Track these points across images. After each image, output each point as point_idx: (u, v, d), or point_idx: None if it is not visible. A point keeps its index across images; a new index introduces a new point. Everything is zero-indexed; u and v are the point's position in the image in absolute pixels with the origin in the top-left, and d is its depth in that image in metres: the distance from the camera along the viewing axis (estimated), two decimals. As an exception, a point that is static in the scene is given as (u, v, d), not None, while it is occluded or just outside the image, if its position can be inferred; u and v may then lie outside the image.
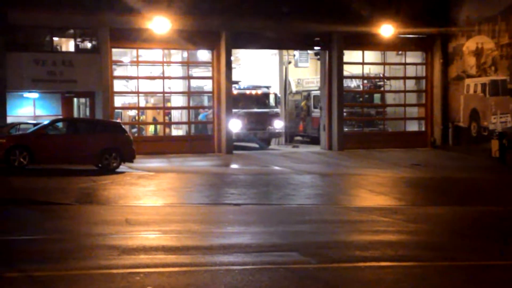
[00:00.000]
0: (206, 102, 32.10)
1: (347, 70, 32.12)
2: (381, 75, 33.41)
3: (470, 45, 30.58)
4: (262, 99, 32.45)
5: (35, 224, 13.39)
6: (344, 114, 31.45)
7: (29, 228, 12.78)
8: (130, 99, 33.31)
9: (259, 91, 32.54)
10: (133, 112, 33.47)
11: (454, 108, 31.53)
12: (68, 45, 29.54)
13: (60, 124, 23.67)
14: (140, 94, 30.56)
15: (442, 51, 31.87)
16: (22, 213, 14.68)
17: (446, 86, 31.89)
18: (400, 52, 33.15)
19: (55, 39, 28.89)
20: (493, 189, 20.82)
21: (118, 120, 28.26)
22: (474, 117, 30.37)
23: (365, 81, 33.45)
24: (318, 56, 32.33)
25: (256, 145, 32.25)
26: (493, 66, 29.34)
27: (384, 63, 33.29)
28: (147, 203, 16.64)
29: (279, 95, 33.77)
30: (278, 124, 32.41)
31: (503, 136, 26.88)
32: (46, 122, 23.21)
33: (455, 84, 31.50)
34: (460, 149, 30.46)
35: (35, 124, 24.04)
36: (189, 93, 31.02)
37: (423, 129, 32.91)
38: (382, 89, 33.78)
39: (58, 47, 29.43)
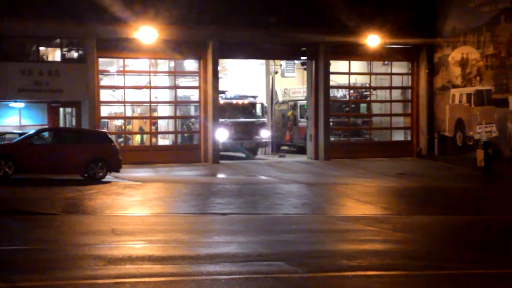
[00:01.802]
0: (192, 112, 32.09)
1: (334, 80, 32.25)
2: (367, 85, 33.56)
3: (455, 55, 30.80)
4: (248, 109, 32.50)
5: (20, 234, 13.31)
6: (331, 123, 31.54)
7: (15, 238, 12.70)
8: (117, 109, 33.22)
9: (246, 101, 32.59)
10: (119, 122, 33.38)
11: (440, 118, 31.72)
12: (55, 55, 29.47)
13: (45, 134, 23.57)
14: (126, 104, 30.48)
15: (428, 61, 32.08)
16: (7, 223, 14.58)
17: (432, 96, 32.08)
18: (386, 62, 33.34)
19: (42, 48, 28.82)
20: (478, 198, 20.93)
21: (104, 130, 28.17)
22: (459, 127, 30.56)
23: (351, 91, 33.59)
24: (305, 66, 32.43)
25: (243, 155, 32.25)
26: (478, 76, 29.56)
27: (370, 73, 33.46)
28: (134, 213, 16.58)
29: (265, 104, 33.83)
30: (265, 134, 32.44)
31: (488, 146, 27.07)
32: (31, 132, 23.11)
33: (441, 94, 31.69)
34: (446, 158, 30.62)
35: (20, 134, 23.88)
36: (175, 103, 31.01)
37: (409, 138, 33.06)
38: (368, 99, 33.93)
39: (45, 57, 29.35)
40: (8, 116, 28.12)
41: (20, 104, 27.99)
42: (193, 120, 31.51)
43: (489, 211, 18.08)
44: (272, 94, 35.22)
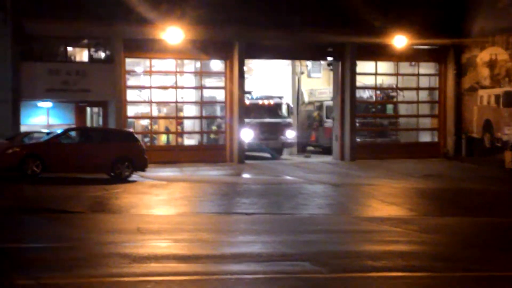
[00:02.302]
0: (218, 112, 32.17)
1: (360, 80, 32.09)
2: (394, 86, 33.34)
3: (483, 56, 30.49)
4: (274, 109, 32.47)
5: (47, 232, 13.45)
6: (357, 124, 31.40)
7: (41, 236, 12.84)
8: (143, 109, 33.39)
9: (272, 101, 32.57)
10: (145, 122, 33.53)
11: (467, 119, 31.42)
12: (82, 55, 29.73)
13: (73, 133, 23.79)
14: (153, 104, 30.67)
15: (456, 62, 31.79)
16: (34, 221, 14.74)
17: (459, 97, 31.79)
18: (413, 63, 33.07)
19: (69, 49, 29.08)
20: (506, 200, 20.68)
21: (131, 130, 28.34)
22: (487, 128, 30.24)
23: (378, 92, 33.39)
24: (331, 67, 32.32)
25: (268, 155, 32.23)
26: (507, 77, 29.23)
27: (397, 74, 33.23)
28: (159, 212, 16.67)
29: (291, 105, 33.78)
30: (290, 134, 32.40)
31: (517, 148, 26.78)
32: (59, 131, 23.34)
33: (468, 95, 31.40)
34: (473, 160, 30.32)
35: (48, 133, 24.16)
36: (201, 103, 31.10)
37: (436, 140, 32.79)
38: (394, 99, 33.71)
39: (72, 57, 29.60)
40: (36, 116, 28.45)
41: (48, 104, 28.31)
42: (219, 120, 31.57)
43: (517, 214, 17.86)
44: (298, 94, 35.16)
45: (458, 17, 31.48)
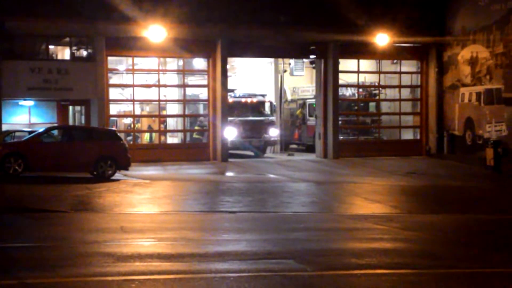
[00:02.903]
0: (201, 110, 32.12)
1: (343, 78, 32.19)
2: (376, 84, 33.49)
3: (465, 54, 30.69)
4: (257, 107, 32.49)
5: (30, 231, 13.36)
6: (340, 122, 31.48)
7: (24, 236, 12.76)
8: (126, 107, 33.30)
9: (255, 99, 32.59)
10: (128, 120, 33.45)
11: (449, 117, 31.62)
12: (64, 53, 29.56)
13: (55, 132, 23.64)
14: (135, 102, 30.59)
15: (437, 60, 31.98)
16: (17, 220, 14.64)
17: (441, 94, 31.98)
18: (395, 61, 33.25)
19: (51, 47, 28.90)
20: (488, 197, 20.86)
21: (113, 128, 28.23)
22: (469, 125, 30.44)
23: (360, 90, 33.52)
24: (314, 65, 32.39)
25: (252, 153, 32.25)
26: (488, 75, 29.44)
27: (379, 72, 33.38)
28: (142, 210, 16.62)
29: (274, 103, 33.81)
30: (274, 132, 32.43)
31: (498, 145, 26.98)
32: (41, 130, 23.18)
33: (450, 93, 31.59)
34: (455, 157, 30.52)
35: (30, 132, 24.00)
36: (184, 101, 31.05)
37: (418, 137, 32.97)
38: (377, 97, 33.85)
39: (54, 55, 29.44)
40: (18, 114, 28.23)
41: (30, 103, 28.10)
42: (201, 119, 31.54)
43: (498, 210, 18.01)
44: (281, 92, 35.20)
45: (439, 16, 31.67)
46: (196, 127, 31.90)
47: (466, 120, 30.58)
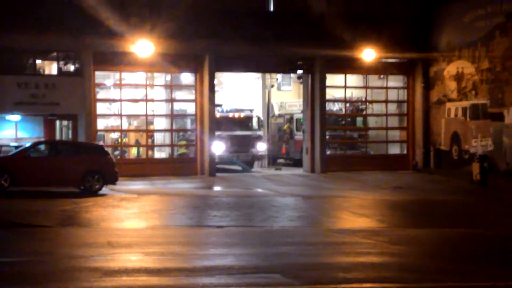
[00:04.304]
0: (189, 125, 32.14)
1: (330, 93, 32.34)
2: (363, 99, 33.67)
3: (451, 69, 30.95)
4: (245, 122, 32.55)
5: (16, 246, 13.29)
6: (327, 137, 31.60)
7: (10, 251, 12.69)
8: (113, 122, 33.25)
9: (242, 114, 32.66)
10: (116, 135, 33.39)
11: (436, 132, 31.82)
12: (51, 68, 29.52)
13: (42, 147, 23.57)
14: (123, 117, 30.57)
15: (424, 75, 32.21)
16: (3, 235, 14.56)
17: (428, 109, 32.20)
18: (382, 76, 33.45)
19: (38, 62, 28.85)
20: (474, 211, 20.95)
21: (101, 143, 28.19)
22: (455, 140, 30.64)
23: (347, 105, 33.68)
24: (301, 80, 32.54)
25: (239, 168, 32.27)
26: (474, 90, 29.69)
27: (366, 87, 33.59)
28: (130, 225, 16.58)
29: (262, 118, 33.89)
30: (261, 147, 32.49)
31: (484, 159, 27.15)
32: (28, 145, 23.11)
33: (436, 108, 31.81)
34: (442, 172, 30.67)
35: (17, 147, 23.90)
36: (172, 116, 31.06)
37: (405, 152, 33.12)
38: (364, 112, 34.02)
39: (41, 70, 29.38)
40: (5, 129, 28.12)
41: (17, 117, 28.00)
42: (187, 133, 31.55)
43: (485, 225, 18.09)
44: (268, 107, 35.30)
45: (425, 32, 31.94)
46: (181, 142, 31.88)
47: (452, 135, 30.79)
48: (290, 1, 30.40)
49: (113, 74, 31.10)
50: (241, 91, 36.42)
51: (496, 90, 28.46)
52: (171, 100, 31.23)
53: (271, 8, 30.53)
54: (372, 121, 34.36)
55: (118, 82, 30.06)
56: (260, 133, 32.89)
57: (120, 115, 30.24)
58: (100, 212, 18.22)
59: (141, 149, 32.28)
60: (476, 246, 14.64)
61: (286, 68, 31.96)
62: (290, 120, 35.91)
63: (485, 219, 19.12)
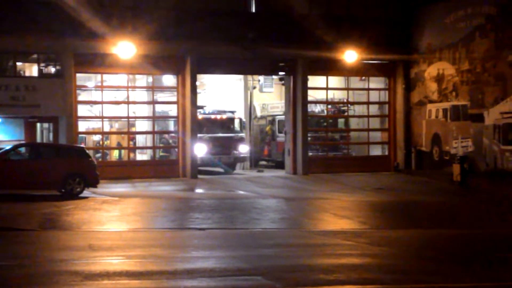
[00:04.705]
0: (171, 127, 32.07)
1: (312, 95, 32.41)
2: (345, 100, 33.78)
3: (431, 71, 31.15)
4: (227, 124, 32.53)
5: (-4, 250, 13.19)
6: (309, 138, 31.67)
7: (-10, 255, 12.59)
8: (94, 124, 33.06)
9: (224, 116, 32.63)
10: (97, 137, 33.23)
11: (417, 133, 32.00)
12: (32, 70, 29.32)
13: (22, 149, 23.39)
14: (104, 119, 30.41)
15: (404, 77, 32.39)
16: (-17, 239, 14.45)
17: (409, 111, 32.38)
18: (363, 78, 33.59)
19: (18, 63, 28.62)
20: (455, 212, 21.11)
21: (82, 145, 28.03)
22: (436, 141, 30.84)
23: (329, 106, 33.77)
24: (283, 81, 32.59)
25: (221, 170, 32.24)
26: (454, 92, 29.90)
27: (347, 88, 33.72)
28: (111, 228, 16.51)
29: (244, 120, 33.89)
30: (243, 149, 32.48)
31: (464, 160, 27.36)
32: (8, 147, 22.93)
33: (417, 109, 31.99)
34: (423, 173, 30.85)
35: (-3, 149, 23.71)
36: (154, 118, 30.97)
37: (386, 153, 33.26)
38: (346, 114, 34.14)
39: (22, 72, 29.18)
40: (-16, 132, 27.91)
41: (-4, 120, 27.82)
42: (171, 135, 31.48)
43: (465, 225, 18.24)
44: (250, 109, 35.31)
45: (406, 33, 32.12)
46: (161, 145, 31.81)
47: (433, 136, 30.98)
48: (272, 2, 30.44)
49: (95, 76, 30.94)
50: (223, 92, 36.40)
51: (476, 91, 28.68)
52: (153, 102, 31.10)
53: (253, 9, 30.56)
54: (353, 123, 34.49)
55: (99, 84, 29.92)
56: (242, 135, 32.88)
57: (102, 117, 30.09)
58: (81, 215, 18.13)
59: (122, 151, 32.15)
60: (458, 246, 14.74)
61: (268, 70, 31.98)
62: (272, 121, 35.94)
63: (465, 220, 19.27)
